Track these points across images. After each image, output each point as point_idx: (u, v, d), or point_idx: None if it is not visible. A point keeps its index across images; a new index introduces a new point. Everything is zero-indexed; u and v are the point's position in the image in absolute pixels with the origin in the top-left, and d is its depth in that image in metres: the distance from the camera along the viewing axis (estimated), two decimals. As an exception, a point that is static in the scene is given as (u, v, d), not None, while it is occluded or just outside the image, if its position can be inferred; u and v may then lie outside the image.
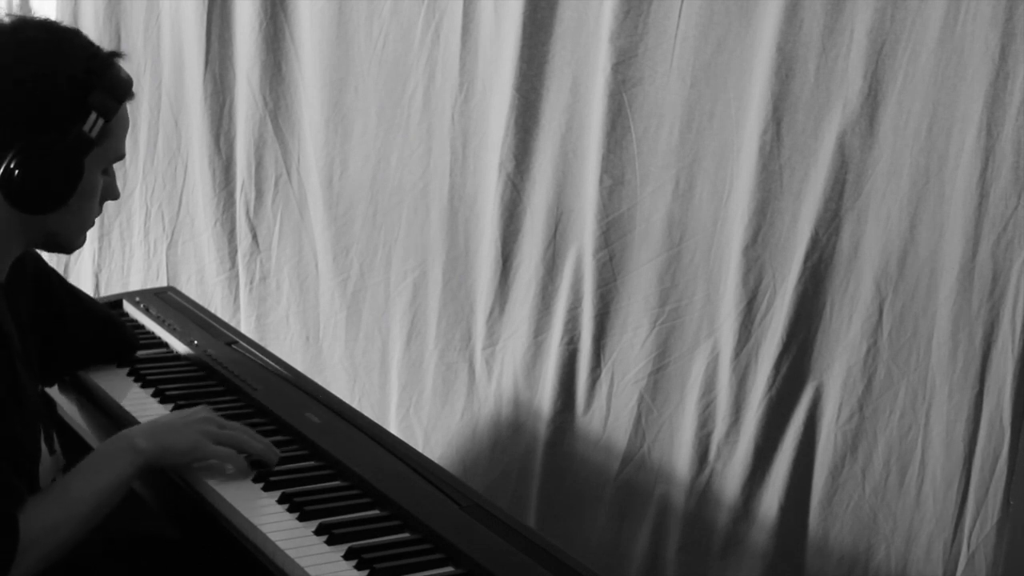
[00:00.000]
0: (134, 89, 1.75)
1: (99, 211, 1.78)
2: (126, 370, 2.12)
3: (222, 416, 1.86)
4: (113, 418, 1.99)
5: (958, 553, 2.27)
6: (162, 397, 2.04)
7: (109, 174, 1.77)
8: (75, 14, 3.28)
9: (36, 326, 1.87)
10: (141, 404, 2.01)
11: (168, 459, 1.75)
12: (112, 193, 1.79)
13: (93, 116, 1.65)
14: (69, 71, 1.65)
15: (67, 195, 1.66)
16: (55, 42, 1.67)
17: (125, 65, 1.74)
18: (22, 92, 1.62)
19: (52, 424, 1.85)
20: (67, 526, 1.64)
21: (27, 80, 1.62)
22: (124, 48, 3.17)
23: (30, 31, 1.68)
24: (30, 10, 3.47)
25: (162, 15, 3.20)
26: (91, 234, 3.32)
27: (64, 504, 1.65)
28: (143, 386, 2.07)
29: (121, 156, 1.77)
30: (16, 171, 1.61)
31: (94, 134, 1.66)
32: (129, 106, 1.75)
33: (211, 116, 3.13)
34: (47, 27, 1.70)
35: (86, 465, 1.70)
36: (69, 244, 1.77)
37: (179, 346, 2.23)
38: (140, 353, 2.19)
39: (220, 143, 3.15)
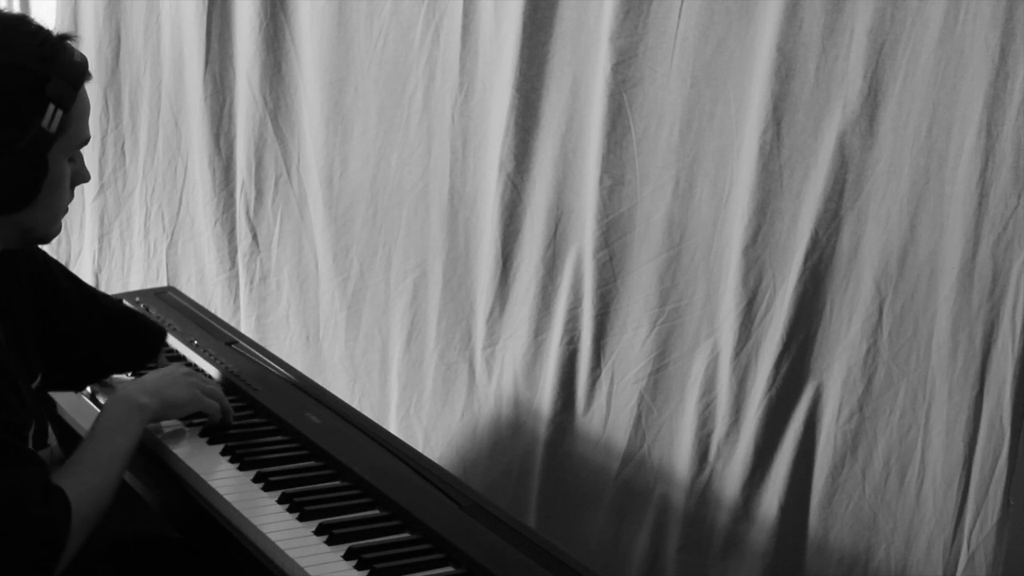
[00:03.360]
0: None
1: (71, 197, 1.73)
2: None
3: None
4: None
5: (958, 553, 2.27)
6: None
7: (76, 161, 1.72)
8: (75, 14, 3.28)
9: (41, 325, 1.86)
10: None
11: (170, 412, 1.85)
12: (81, 177, 1.73)
13: (51, 108, 1.60)
14: (23, 63, 1.59)
15: (34, 193, 1.63)
16: (4, 34, 1.61)
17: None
18: None
19: (48, 420, 1.83)
20: (105, 490, 1.68)
21: None
22: (124, 48, 3.18)
23: None
24: (29, 10, 3.47)
25: (162, 15, 3.19)
26: (91, 234, 3.38)
27: (99, 469, 1.69)
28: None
29: (86, 141, 1.72)
30: None
31: (53, 128, 1.61)
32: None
33: (211, 116, 3.13)
34: None
35: (101, 430, 1.74)
36: (44, 236, 1.74)
37: (179, 346, 2.23)
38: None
39: (220, 143, 3.15)
